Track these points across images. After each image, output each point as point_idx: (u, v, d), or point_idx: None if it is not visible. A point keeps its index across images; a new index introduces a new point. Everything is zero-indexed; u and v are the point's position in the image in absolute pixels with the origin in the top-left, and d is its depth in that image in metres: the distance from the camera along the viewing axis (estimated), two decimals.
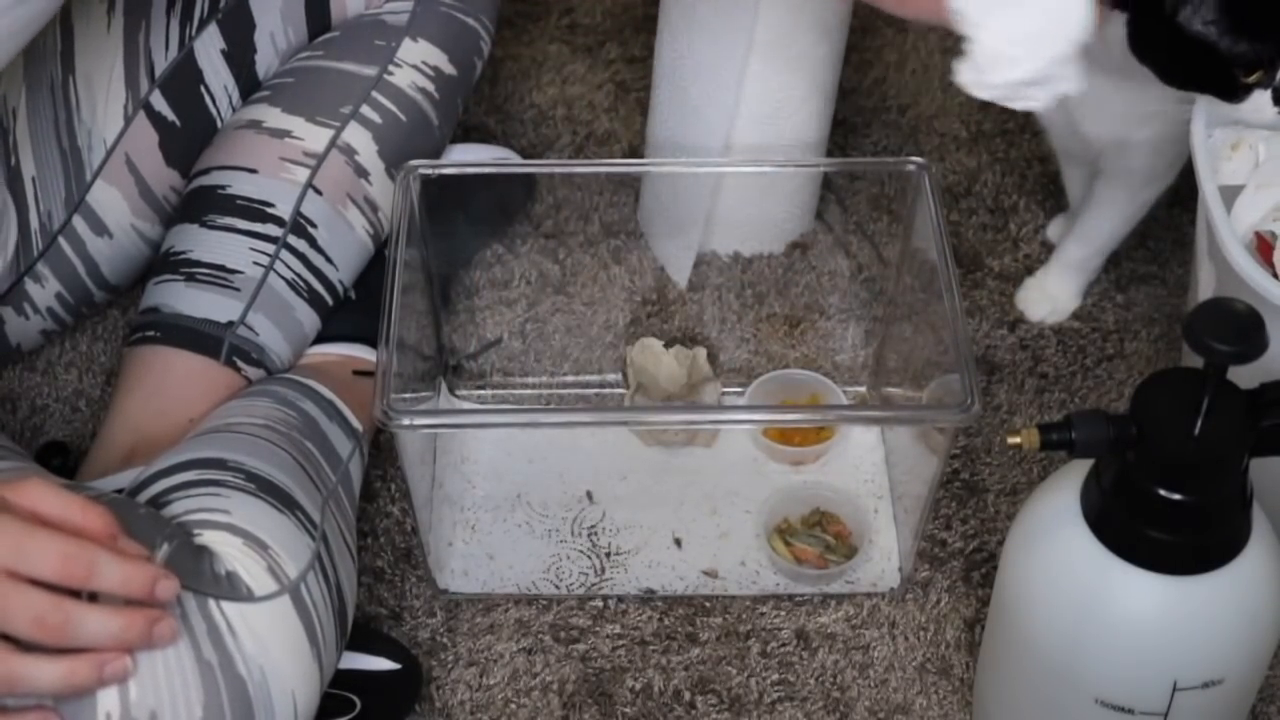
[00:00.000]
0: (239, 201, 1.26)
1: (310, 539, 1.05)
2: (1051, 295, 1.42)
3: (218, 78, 1.31)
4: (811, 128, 1.42)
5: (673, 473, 1.32)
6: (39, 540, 0.90)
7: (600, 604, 1.26)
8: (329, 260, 1.27)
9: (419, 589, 1.26)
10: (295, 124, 1.28)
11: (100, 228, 1.29)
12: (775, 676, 1.22)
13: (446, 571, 1.27)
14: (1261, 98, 1.12)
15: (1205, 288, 1.20)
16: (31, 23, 1.05)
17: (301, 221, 1.26)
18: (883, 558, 1.28)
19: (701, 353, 1.35)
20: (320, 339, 1.29)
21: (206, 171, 1.28)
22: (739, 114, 1.39)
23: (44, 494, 0.93)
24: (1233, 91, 1.13)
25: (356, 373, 1.27)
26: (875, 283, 1.45)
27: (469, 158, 1.42)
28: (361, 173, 1.28)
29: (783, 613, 1.25)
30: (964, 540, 1.29)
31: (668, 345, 1.36)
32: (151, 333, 1.25)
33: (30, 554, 0.90)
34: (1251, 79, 1.12)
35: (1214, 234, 1.13)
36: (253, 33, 1.31)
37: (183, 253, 1.26)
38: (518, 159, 1.51)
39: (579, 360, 1.41)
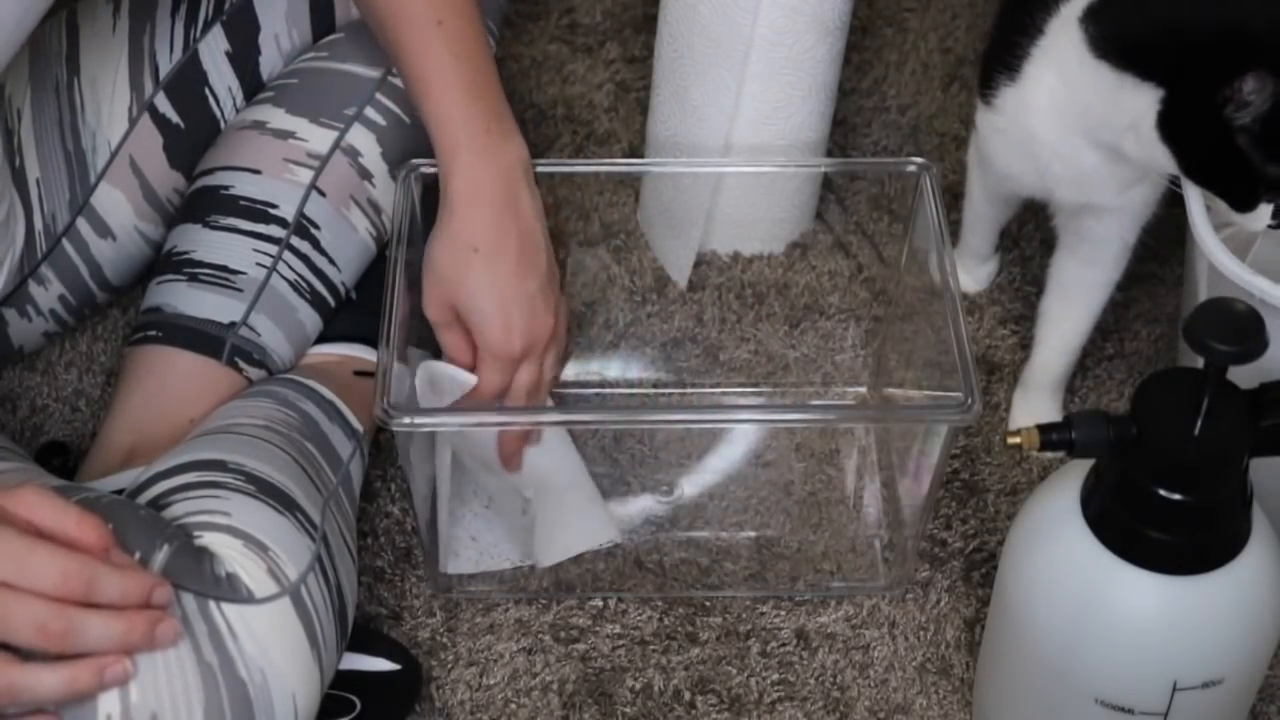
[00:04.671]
0: (242, 202, 1.26)
1: (310, 540, 1.05)
2: (1040, 415, 1.36)
3: (222, 80, 1.31)
4: (811, 128, 1.42)
5: (673, 471, 1.33)
6: (39, 555, 0.90)
7: (600, 604, 1.26)
8: (331, 262, 1.27)
9: (419, 589, 1.26)
10: (299, 125, 1.28)
11: (104, 230, 1.29)
12: (775, 676, 1.22)
13: (447, 571, 1.27)
14: (1263, 209, 1.11)
15: (1199, 284, 1.20)
16: (26, 15, 1.05)
17: (304, 223, 1.26)
18: (882, 558, 1.28)
19: None
20: (321, 339, 1.29)
21: (210, 172, 1.28)
22: (739, 114, 1.39)
23: (40, 503, 0.93)
24: (1248, 205, 1.11)
25: (357, 373, 1.27)
26: (875, 283, 1.45)
27: None
28: (365, 174, 1.28)
29: (783, 613, 1.25)
30: (964, 540, 1.29)
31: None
32: (153, 332, 1.25)
33: (31, 569, 0.90)
34: (1268, 197, 1.10)
35: (1191, 227, 1.14)
36: (257, 34, 1.31)
37: (185, 253, 1.26)
38: None
39: (579, 360, 1.41)
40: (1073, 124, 1.18)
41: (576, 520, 1.25)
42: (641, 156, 1.52)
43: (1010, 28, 1.21)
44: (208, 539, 1.01)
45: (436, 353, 1.22)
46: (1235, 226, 1.16)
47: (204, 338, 1.23)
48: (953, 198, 1.48)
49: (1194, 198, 1.14)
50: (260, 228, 1.25)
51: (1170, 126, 1.11)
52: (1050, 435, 0.98)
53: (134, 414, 1.23)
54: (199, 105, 1.31)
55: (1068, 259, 1.31)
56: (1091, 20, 1.14)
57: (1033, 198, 1.30)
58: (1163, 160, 1.13)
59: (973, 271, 1.45)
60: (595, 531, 1.26)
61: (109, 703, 0.94)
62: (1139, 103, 1.12)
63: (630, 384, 1.40)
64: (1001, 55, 1.21)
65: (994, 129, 1.24)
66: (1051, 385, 1.35)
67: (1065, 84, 1.17)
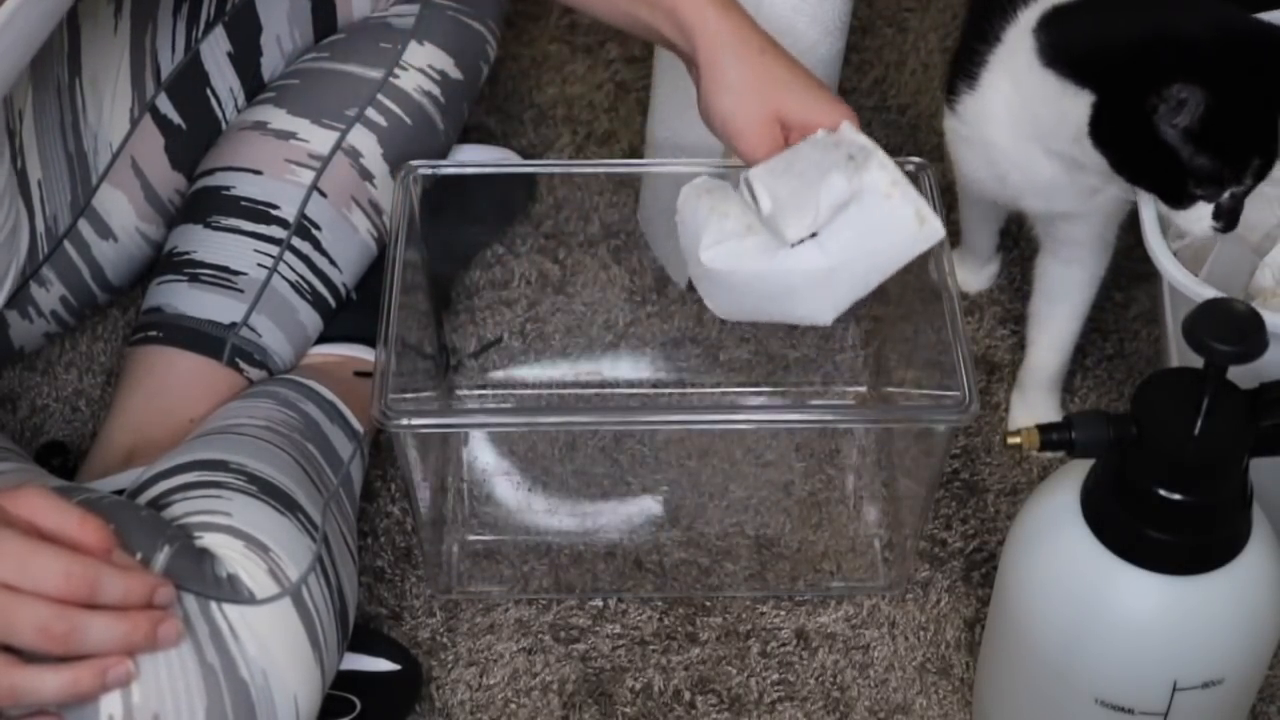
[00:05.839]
0: (243, 203, 1.26)
1: (311, 541, 1.05)
2: (1038, 415, 1.36)
3: (223, 81, 1.31)
4: None
5: (673, 471, 1.33)
6: (43, 557, 0.90)
7: (600, 604, 1.26)
8: (332, 263, 1.27)
9: (419, 589, 1.26)
10: (300, 126, 1.28)
11: (105, 231, 1.29)
12: (775, 676, 1.22)
13: (447, 571, 1.27)
14: (1202, 209, 1.12)
15: (1164, 293, 1.21)
16: (37, 29, 1.06)
17: (305, 224, 1.26)
18: (882, 558, 1.28)
19: None
20: (322, 339, 1.30)
21: (211, 172, 1.28)
22: None
23: (42, 504, 0.93)
24: (1179, 199, 1.12)
25: (358, 373, 1.28)
26: None
27: (470, 158, 1.42)
28: (366, 175, 1.28)
29: (783, 613, 1.25)
30: (964, 540, 1.29)
31: None
32: (154, 333, 1.25)
33: (33, 571, 0.90)
34: (1199, 191, 1.11)
35: (1145, 240, 1.14)
36: (259, 35, 1.31)
37: (186, 253, 1.26)
38: (518, 159, 1.51)
39: (579, 360, 1.41)
40: (1027, 132, 1.18)
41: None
42: (641, 156, 1.52)
43: (973, 35, 1.21)
44: (209, 540, 1.01)
45: None
46: (1190, 238, 1.17)
47: (205, 338, 1.23)
48: (952, 197, 1.47)
49: (1148, 214, 1.15)
50: (261, 228, 1.25)
51: (1100, 129, 1.12)
52: (1050, 435, 0.98)
53: (134, 414, 1.23)
54: (201, 106, 1.31)
55: (1049, 260, 1.31)
56: (1043, 29, 1.15)
57: (1000, 204, 1.30)
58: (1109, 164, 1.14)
59: (976, 272, 1.45)
60: None
61: (111, 704, 0.94)
62: (1080, 109, 1.13)
63: (630, 384, 1.40)
64: (964, 62, 1.22)
65: (958, 136, 1.25)
66: (1048, 385, 1.35)
67: (1018, 92, 1.18)
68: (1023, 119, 1.18)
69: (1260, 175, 1.11)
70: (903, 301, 1.32)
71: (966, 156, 1.26)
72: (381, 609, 1.25)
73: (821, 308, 1.10)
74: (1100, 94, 1.11)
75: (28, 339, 1.32)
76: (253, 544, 1.01)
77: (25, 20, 1.03)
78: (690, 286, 1.45)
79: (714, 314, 1.16)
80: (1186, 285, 1.10)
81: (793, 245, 1.08)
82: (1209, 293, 1.08)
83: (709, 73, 1.13)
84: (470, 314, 1.44)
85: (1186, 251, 1.18)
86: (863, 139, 1.10)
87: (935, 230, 1.09)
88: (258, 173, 1.27)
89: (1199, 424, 0.95)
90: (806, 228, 1.08)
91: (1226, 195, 1.11)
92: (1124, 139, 1.12)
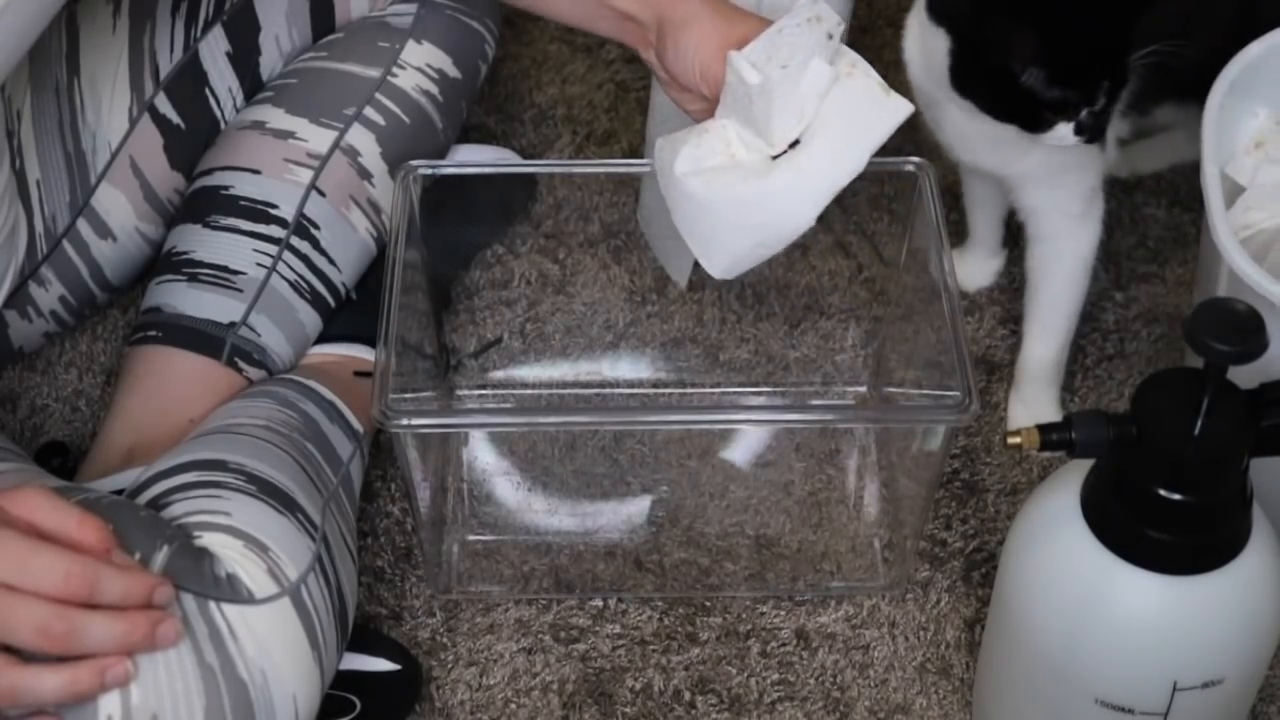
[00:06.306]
0: (242, 202, 1.26)
1: (311, 541, 1.05)
2: (1037, 414, 1.35)
3: (222, 80, 1.31)
4: None
5: (673, 471, 1.33)
6: (41, 557, 0.90)
7: (600, 604, 1.26)
8: (331, 262, 1.27)
9: (419, 589, 1.26)
10: (299, 125, 1.28)
11: (104, 231, 1.29)
12: (775, 676, 1.22)
13: (447, 571, 1.27)
14: (1063, 129, 1.14)
15: (1218, 287, 1.20)
16: (30, 25, 1.05)
17: (304, 223, 1.26)
18: (882, 558, 1.28)
19: None
20: (322, 339, 1.30)
21: (209, 172, 1.28)
22: None
23: (41, 504, 0.93)
24: (1037, 126, 1.15)
25: (358, 373, 1.28)
26: (875, 283, 1.45)
27: (471, 158, 1.42)
28: (364, 174, 1.28)
29: (783, 613, 1.25)
30: (964, 540, 1.29)
31: None
32: (153, 333, 1.25)
33: (33, 570, 0.90)
34: (1056, 117, 1.14)
35: (1208, 221, 1.14)
36: (257, 35, 1.31)
37: (185, 253, 1.26)
38: (518, 159, 1.51)
39: (579, 360, 1.41)
40: (929, 75, 1.21)
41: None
42: (641, 156, 1.52)
43: None
44: (208, 539, 1.01)
45: None
46: (1254, 228, 1.17)
47: (204, 338, 1.23)
48: (953, 198, 1.48)
49: (1217, 206, 1.14)
50: (260, 228, 1.25)
51: (958, 76, 1.16)
52: (1050, 435, 0.98)
53: (134, 414, 1.23)
54: (199, 105, 1.31)
55: (1028, 246, 1.32)
56: None
57: (954, 156, 1.31)
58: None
59: (982, 264, 1.45)
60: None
61: (110, 704, 0.94)
62: (944, 54, 1.16)
63: (630, 384, 1.40)
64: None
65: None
66: (1045, 381, 1.35)
67: (918, 34, 1.21)
68: (925, 62, 1.21)
69: (1113, 94, 1.13)
70: (903, 301, 1.32)
71: (919, 106, 1.27)
72: (381, 609, 1.25)
73: (803, 205, 1.11)
74: (954, 42, 1.15)
75: (27, 339, 1.32)
76: (252, 544, 1.01)
77: (16, 15, 1.03)
78: (690, 286, 1.45)
79: (704, 269, 1.16)
80: (1259, 282, 1.10)
81: (774, 157, 1.11)
82: (1275, 287, 1.08)
83: (675, 20, 1.14)
84: (470, 314, 1.44)
85: (1250, 244, 1.17)
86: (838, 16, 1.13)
87: (902, 101, 1.13)
88: (256, 172, 1.27)
89: (1199, 424, 0.95)
90: (794, 130, 1.10)
91: (1084, 114, 1.13)
92: (979, 80, 1.16)
